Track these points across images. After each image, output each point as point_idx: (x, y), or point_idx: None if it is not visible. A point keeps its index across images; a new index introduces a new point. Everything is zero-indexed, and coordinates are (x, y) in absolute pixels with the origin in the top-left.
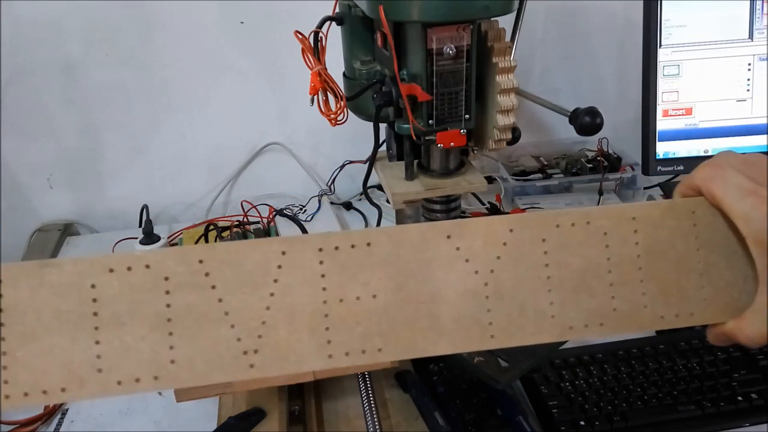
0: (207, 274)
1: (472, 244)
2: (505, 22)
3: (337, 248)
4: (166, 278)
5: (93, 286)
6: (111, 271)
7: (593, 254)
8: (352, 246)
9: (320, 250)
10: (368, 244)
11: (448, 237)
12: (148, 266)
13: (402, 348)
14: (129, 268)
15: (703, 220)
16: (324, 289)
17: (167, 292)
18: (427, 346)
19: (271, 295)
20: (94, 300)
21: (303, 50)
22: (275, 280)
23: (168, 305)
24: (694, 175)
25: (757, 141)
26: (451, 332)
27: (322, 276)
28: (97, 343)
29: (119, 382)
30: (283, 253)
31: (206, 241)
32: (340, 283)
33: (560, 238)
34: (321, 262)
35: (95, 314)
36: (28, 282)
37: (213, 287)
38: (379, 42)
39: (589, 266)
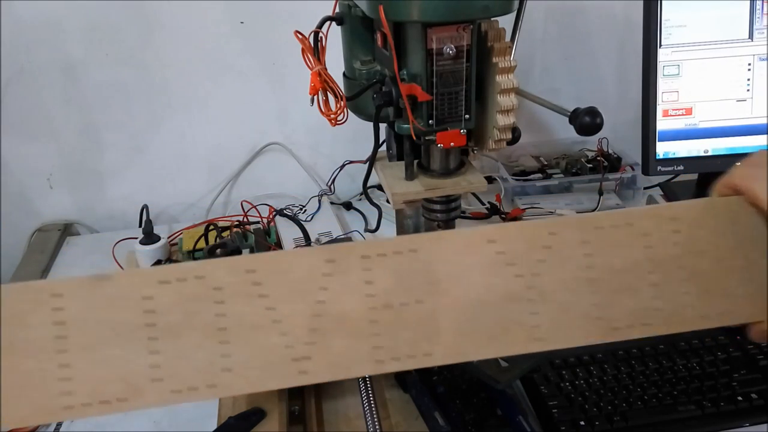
0: (257, 284)
1: (514, 248)
2: (505, 22)
3: (382, 255)
4: (218, 288)
5: (148, 298)
6: (165, 282)
7: (635, 255)
8: (397, 253)
9: (366, 257)
10: (412, 251)
11: (491, 242)
12: (200, 277)
13: (449, 352)
14: (182, 280)
15: (743, 218)
16: (371, 295)
17: (219, 302)
18: (474, 350)
19: (320, 302)
20: (150, 311)
21: (303, 50)
22: (323, 288)
23: (220, 315)
24: (733, 173)
25: (757, 141)
26: (497, 336)
27: (369, 283)
28: (154, 353)
29: (176, 391)
30: (330, 261)
31: (206, 241)
32: (387, 290)
33: (602, 240)
34: (367, 270)
35: (151, 325)
36: (86, 295)
37: (263, 296)
38: (379, 42)
39: (632, 267)
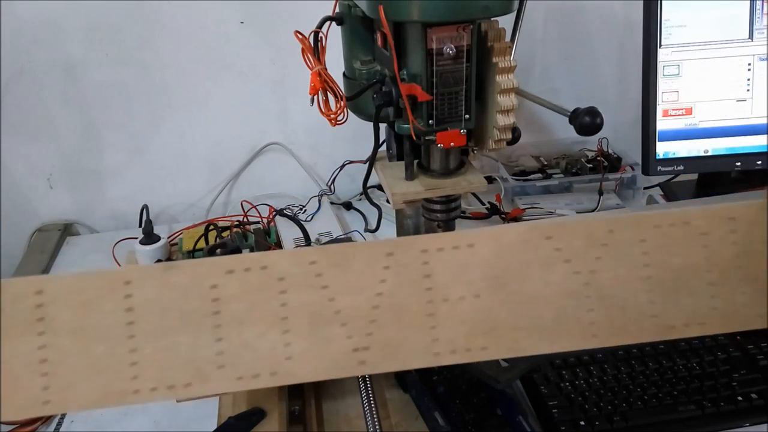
0: (319, 275)
1: (571, 245)
2: (505, 22)
3: (440, 249)
4: (282, 279)
5: (214, 287)
6: (230, 272)
7: (692, 254)
8: (455, 247)
9: (424, 251)
10: (470, 246)
11: (548, 238)
12: (264, 267)
13: (506, 347)
14: (247, 269)
15: None
16: (429, 289)
17: (282, 292)
18: (530, 345)
19: (379, 294)
20: (215, 299)
21: (303, 50)
22: (383, 281)
23: (283, 304)
24: None
25: (757, 141)
26: (553, 332)
27: (427, 276)
28: (219, 340)
29: (239, 378)
30: (390, 254)
31: (206, 241)
32: (444, 283)
33: (659, 239)
34: (425, 263)
35: (216, 313)
36: (154, 282)
37: (324, 287)
38: (379, 42)
39: (689, 266)
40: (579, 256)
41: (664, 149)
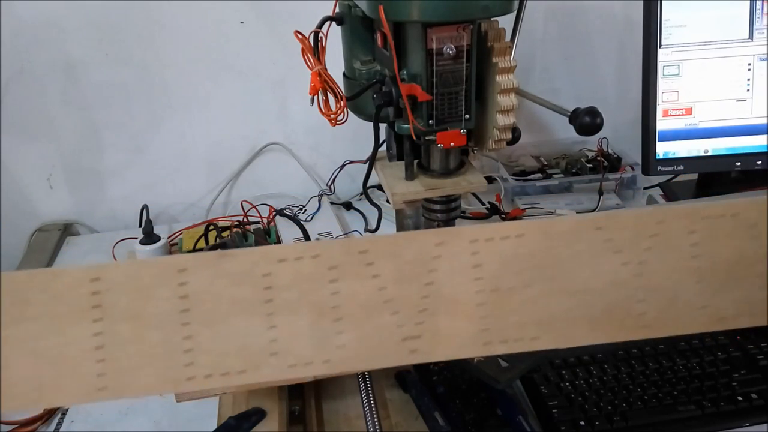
0: (369, 264)
1: (621, 236)
2: (505, 22)
3: (489, 240)
4: (333, 267)
5: (266, 275)
6: (282, 260)
7: (742, 245)
8: (505, 237)
9: (474, 241)
10: (519, 236)
11: (598, 228)
12: (316, 256)
13: (557, 337)
14: (299, 258)
15: None
16: (479, 279)
17: (334, 281)
18: (582, 336)
19: (430, 284)
20: (268, 287)
21: (303, 50)
22: (432, 270)
23: (335, 293)
24: None
25: (757, 141)
26: (604, 323)
27: (477, 266)
28: (272, 327)
29: (292, 366)
30: (439, 244)
31: (206, 241)
32: (494, 274)
33: (708, 230)
34: (475, 253)
35: (269, 301)
36: (208, 270)
37: (375, 276)
38: (379, 42)
39: (738, 257)
40: (629, 246)
41: (664, 149)
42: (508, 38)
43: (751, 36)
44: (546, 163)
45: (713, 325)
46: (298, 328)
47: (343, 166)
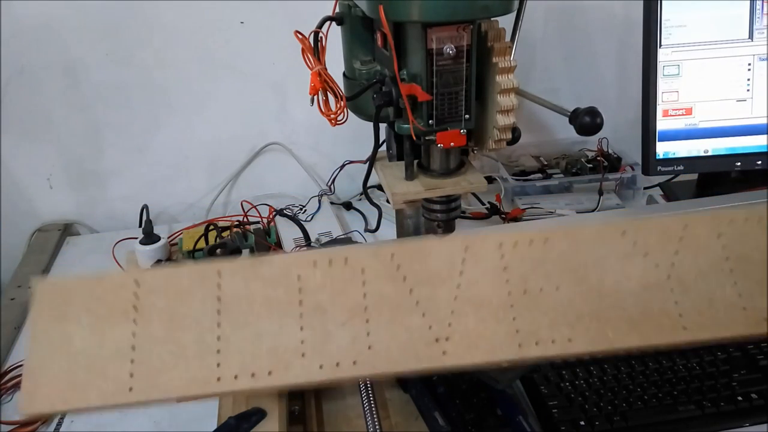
0: (398, 267)
1: (647, 240)
2: (505, 22)
3: (516, 244)
4: (363, 271)
5: (299, 278)
6: (314, 264)
7: None
8: (531, 242)
9: (500, 245)
10: (545, 240)
11: (624, 233)
12: (346, 260)
13: (592, 339)
14: (330, 262)
15: None
16: (507, 281)
17: (364, 283)
18: (618, 338)
19: (458, 286)
20: (300, 290)
21: (303, 50)
22: (461, 273)
23: (364, 295)
24: None
25: (757, 141)
26: (641, 324)
27: (505, 269)
28: (302, 329)
29: (321, 366)
30: (466, 248)
31: (206, 241)
32: (523, 276)
33: (736, 233)
34: (502, 257)
35: (300, 303)
36: (243, 274)
37: (404, 279)
38: (379, 42)
39: None
40: (656, 250)
41: (664, 149)
42: (508, 38)
43: (751, 36)
44: (546, 163)
45: (757, 326)
46: (328, 329)
47: (343, 166)
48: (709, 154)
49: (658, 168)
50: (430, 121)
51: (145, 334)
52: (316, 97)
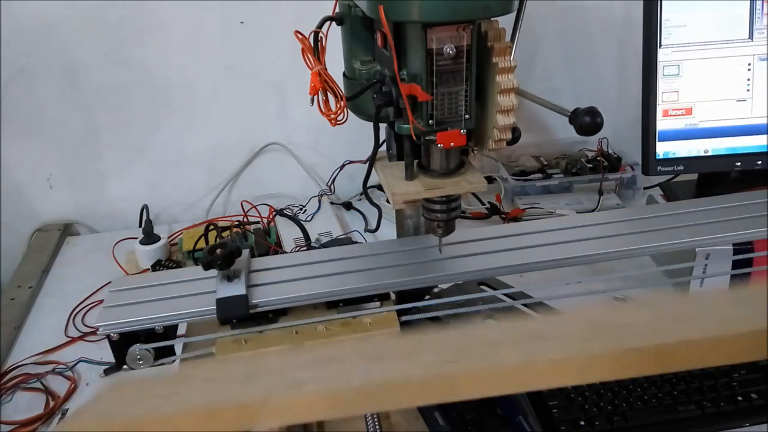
0: None
1: None
2: (505, 22)
3: None
4: None
5: None
6: None
7: None
8: None
9: None
10: None
11: None
12: None
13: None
14: None
15: None
16: None
17: None
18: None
19: None
20: None
21: (303, 50)
22: None
23: None
24: None
25: (757, 141)
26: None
27: None
28: None
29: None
30: None
31: (206, 241)
32: None
33: None
34: None
35: None
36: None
37: None
38: (379, 42)
39: None
40: None
41: (664, 149)
42: (508, 38)
43: (751, 36)
44: (546, 163)
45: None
46: None
47: (343, 166)
48: (709, 154)
49: (658, 168)
50: (430, 121)
51: None
52: (316, 97)
